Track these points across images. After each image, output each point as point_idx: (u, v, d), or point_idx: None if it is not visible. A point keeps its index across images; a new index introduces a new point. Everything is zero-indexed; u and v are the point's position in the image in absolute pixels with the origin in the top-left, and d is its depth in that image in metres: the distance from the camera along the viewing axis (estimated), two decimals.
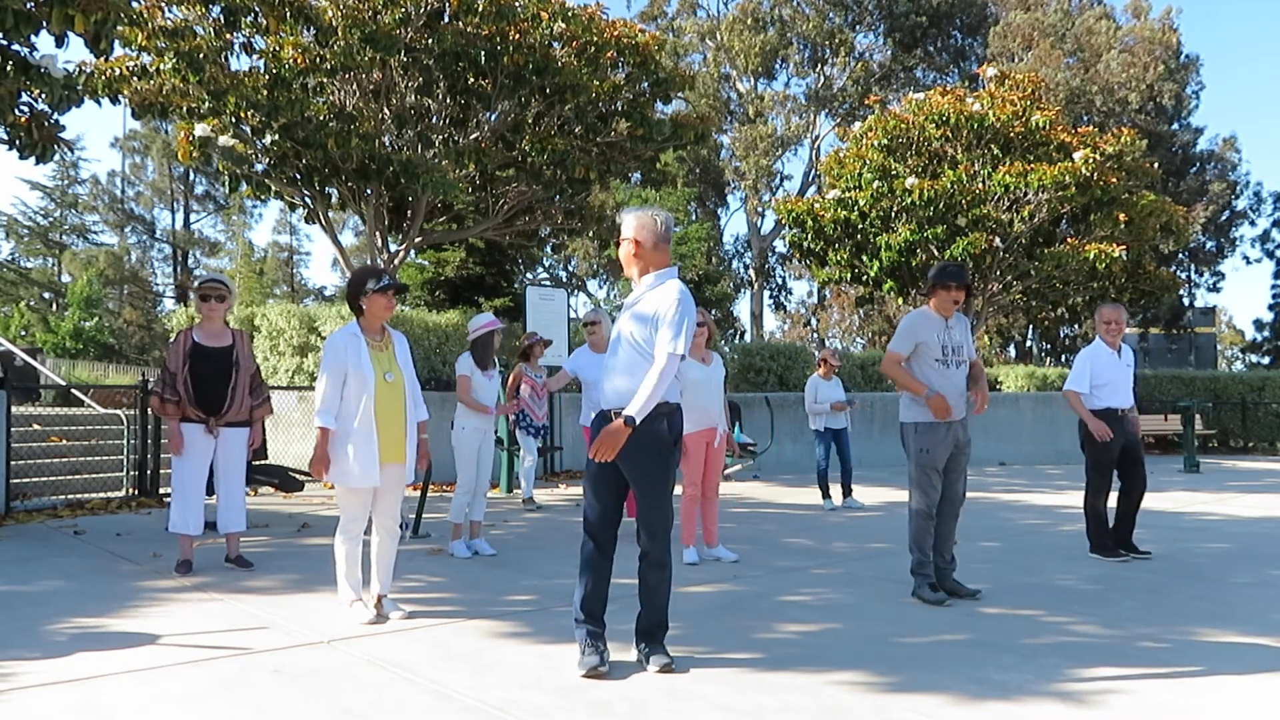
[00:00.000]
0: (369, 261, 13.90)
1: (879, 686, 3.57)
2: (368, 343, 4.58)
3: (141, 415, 9.48)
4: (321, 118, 11.68)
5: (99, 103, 10.68)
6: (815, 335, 42.03)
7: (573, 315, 13.63)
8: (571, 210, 14.90)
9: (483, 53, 11.94)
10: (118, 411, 10.70)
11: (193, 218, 48.13)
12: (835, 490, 9.66)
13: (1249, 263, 39.42)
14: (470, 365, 6.51)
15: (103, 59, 9.48)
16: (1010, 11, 34.19)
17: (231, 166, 12.19)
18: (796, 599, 5.14)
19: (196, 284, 6.05)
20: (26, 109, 6.86)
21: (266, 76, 11.38)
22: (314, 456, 4.47)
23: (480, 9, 11.79)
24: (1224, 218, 35.10)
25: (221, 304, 5.96)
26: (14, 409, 9.27)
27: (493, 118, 13.17)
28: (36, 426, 10.33)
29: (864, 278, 17.93)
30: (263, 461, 8.34)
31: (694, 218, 35.18)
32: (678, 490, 4.77)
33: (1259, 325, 40.24)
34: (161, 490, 9.42)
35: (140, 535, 7.19)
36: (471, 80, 12.38)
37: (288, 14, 10.15)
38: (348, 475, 4.48)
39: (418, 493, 7.74)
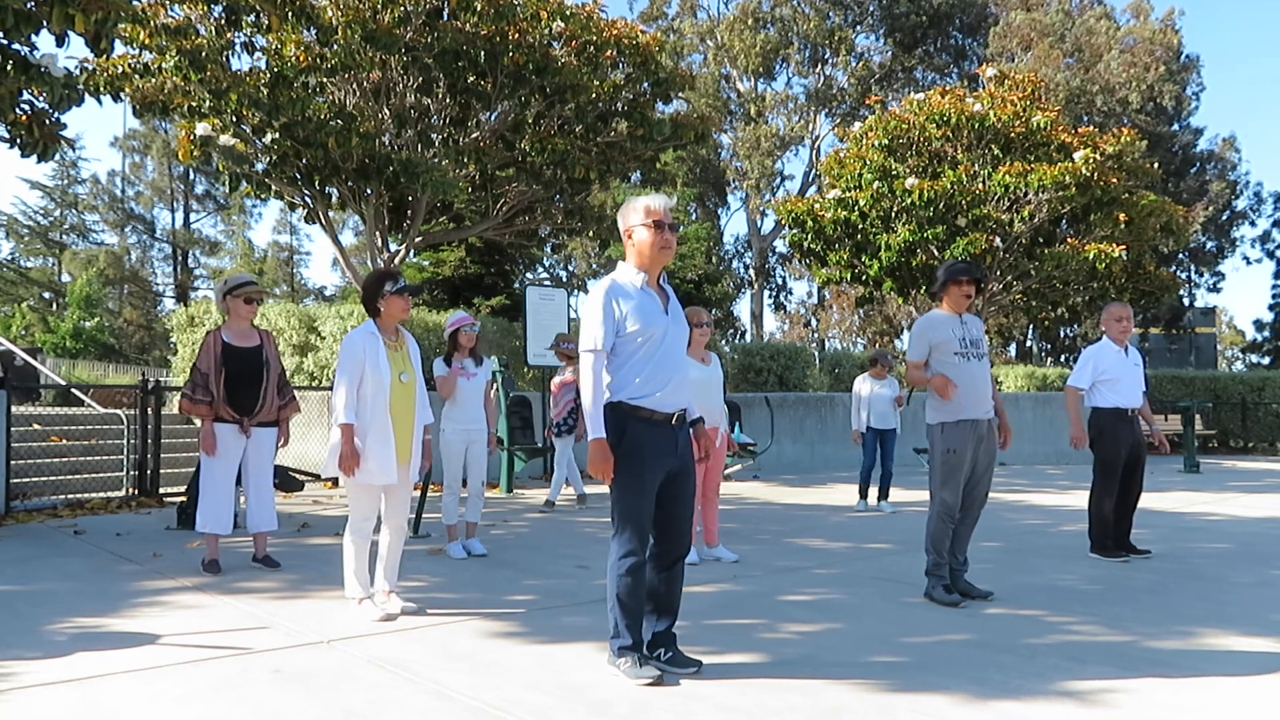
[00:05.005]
0: (369, 261, 13.91)
1: (881, 686, 3.57)
2: (384, 342, 4.63)
3: (141, 415, 9.47)
4: (322, 117, 11.68)
5: (100, 100, 10.70)
6: (815, 335, 42.01)
7: (572, 315, 13.62)
8: (571, 210, 14.89)
9: (482, 52, 11.93)
10: (118, 411, 10.69)
11: (193, 217, 48.14)
12: (873, 492, 9.59)
13: (1249, 263, 39.45)
14: (443, 367, 6.52)
15: (103, 58, 9.48)
16: (1010, 11, 34.18)
17: (232, 166, 12.19)
18: (797, 599, 5.14)
19: (234, 286, 5.92)
20: (27, 108, 6.87)
21: (267, 75, 11.39)
22: (342, 454, 4.48)
23: (479, 8, 11.78)
24: (1224, 218, 35.09)
25: (259, 306, 6.11)
26: (14, 409, 9.26)
27: (493, 117, 13.16)
28: (36, 426, 10.33)
29: (864, 278, 17.93)
30: None
31: (694, 218, 35.14)
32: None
33: (1259, 325, 40.20)
34: (162, 490, 9.42)
35: (140, 535, 7.19)
36: (471, 80, 12.38)
37: (289, 13, 10.15)
38: (366, 473, 4.51)
39: (418, 493, 7.75)
